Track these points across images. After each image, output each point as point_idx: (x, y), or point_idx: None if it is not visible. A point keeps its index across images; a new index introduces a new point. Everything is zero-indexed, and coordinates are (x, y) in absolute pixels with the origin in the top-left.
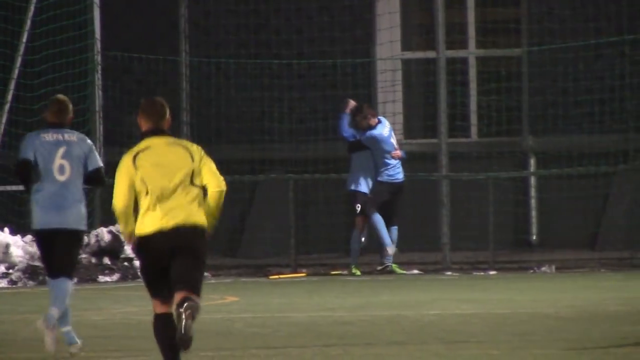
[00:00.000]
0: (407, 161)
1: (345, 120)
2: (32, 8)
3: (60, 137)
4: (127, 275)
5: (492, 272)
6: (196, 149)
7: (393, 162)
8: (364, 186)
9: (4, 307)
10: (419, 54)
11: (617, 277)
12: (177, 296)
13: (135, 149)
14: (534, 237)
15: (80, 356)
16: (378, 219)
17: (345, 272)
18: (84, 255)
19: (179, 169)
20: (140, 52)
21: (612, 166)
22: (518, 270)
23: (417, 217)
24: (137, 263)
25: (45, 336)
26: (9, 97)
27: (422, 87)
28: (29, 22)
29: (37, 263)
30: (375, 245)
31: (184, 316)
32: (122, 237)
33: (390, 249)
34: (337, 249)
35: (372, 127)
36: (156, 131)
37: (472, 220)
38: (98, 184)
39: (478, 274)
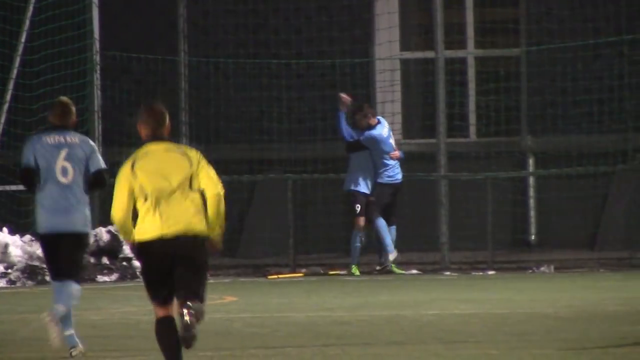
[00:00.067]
0: (406, 161)
1: (343, 120)
2: (30, 8)
3: (62, 139)
4: (126, 275)
5: (490, 272)
6: (194, 154)
7: (392, 162)
8: (362, 186)
9: (3, 306)
10: (418, 54)
11: (616, 277)
12: (181, 302)
13: (134, 156)
14: (533, 237)
15: (80, 356)
16: (382, 224)
17: (344, 272)
18: None
19: (177, 174)
20: (139, 52)
21: (611, 166)
22: (517, 270)
23: (416, 217)
24: (135, 263)
25: (50, 330)
26: (8, 97)
27: (421, 87)
28: (27, 22)
29: (36, 263)
30: (374, 245)
31: (187, 315)
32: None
33: (392, 256)
34: (336, 249)
35: (372, 127)
36: (155, 138)
37: (471, 220)
38: (99, 186)
39: (477, 273)
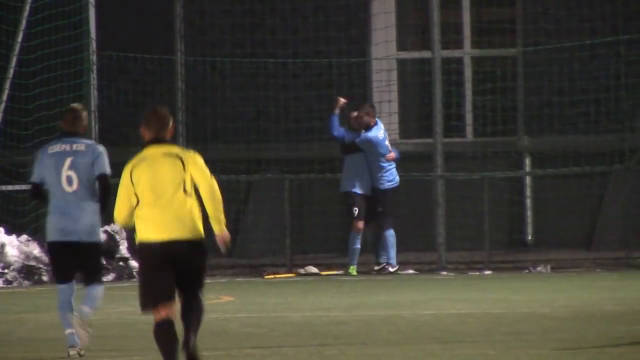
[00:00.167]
0: (403, 161)
1: (336, 120)
2: (27, 8)
3: (68, 147)
4: (123, 274)
5: (487, 272)
6: (188, 156)
7: (387, 165)
8: (359, 187)
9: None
10: (414, 54)
11: (612, 277)
12: (181, 304)
13: (133, 161)
14: (530, 237)
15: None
16: (393, 236)
17: (340, 272)
18: None
19: (171, 180)
20: (135, 52)
21: (607, 166)
22: (513, 270)
23: (413, 217)
24: (132, 263)
25: (80, 333)
26: (4, 96)
27: (418, 87)
28: (24, 22)
29: (33, 263)
30: (370, 246)
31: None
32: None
33: (393, 269)
34: (332, 249)
35: (369, 127)
36: (156, 141)
37: (468, 220)
38: (104, 190)
39: (473, 273)
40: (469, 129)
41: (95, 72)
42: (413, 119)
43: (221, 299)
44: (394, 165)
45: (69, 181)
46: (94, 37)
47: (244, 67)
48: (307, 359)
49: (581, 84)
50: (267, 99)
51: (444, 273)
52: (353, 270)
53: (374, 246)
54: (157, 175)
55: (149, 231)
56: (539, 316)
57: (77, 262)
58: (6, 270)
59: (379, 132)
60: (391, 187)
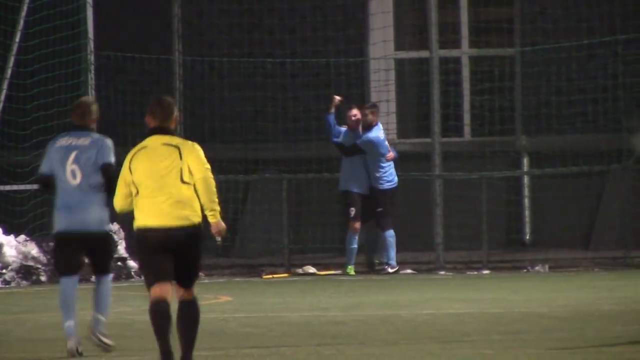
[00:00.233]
0: (401, 161)
1: (332, 120)
2: (25, 8)
3: (73, 141)
4: (121, 275)
5: (485, 272)
6: (186, 145)
7: (386, 165)
8: (357, 186)
9: None
10: (412, 54)
11: (610, 277)
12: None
13: (134, 149)
14: (528, 237)
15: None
16: (392, 237)
17: (338, 271)
18: None
19: (168, 171)
20: (133, 52)
21: (605, 166)
22: (511, 269)
23: (411, 216)
24: (130, 263)
25: (104, 341)
26: (2, 97)
27: (416, 86)
28: (22, 22)
29: (31, 263)
30: (366, 246)
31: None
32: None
33: (392, 269)
34: (331, 249)
35: (370, 126)
36: (158, 130)
37: (466, 219)
38: (107, 180)
39: (472, 273)
40: (466, 129)
41: (93, 72)
42: (411, 119)
43: (219, 299)
44: (392, 165)
45: (73, 175)
46: (92, 37)
47: (241, 67)
48: (305, 359)
49: (579, 83)
50: (265, 98)
51: (442, 273)
52: (351, 270)
53: (368, 246)
54: (154, 165)
55: (147, 218)
56: (537, 316)
57: (85, 253)
58: (4, 271)
59: (379, 132)
60: (390, 187)
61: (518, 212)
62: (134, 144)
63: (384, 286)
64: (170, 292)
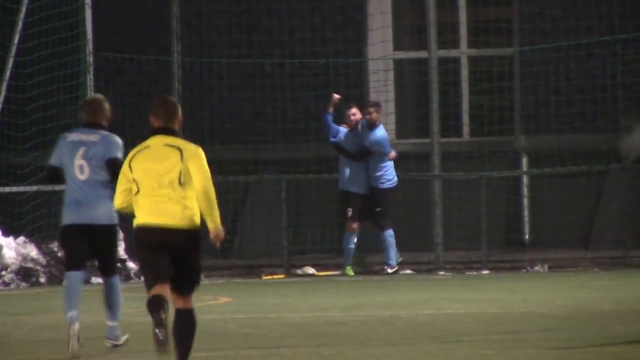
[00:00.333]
0: (400, 161)
1: (330, 119)
2: (23, 9)
3: (82, 137)
4: (120, 276)
5: (485, 272)
6: (188, 148)
7: (387, 164)
8: (356, 186)
9: None
10: (411, 54)
11: (610, 277)
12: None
13: (137, 148)
14: (527, 237)
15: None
16: (392, 236)
17: (337, 272)
18: None
19: (168, 171)
20: (132, 53)
21: (604, 165)
22: (511, 269)
23: (410, 217)
24: (129, 265)
25: (120, 342)
26: (1, 98)
27: (414, 87)
28: (20, 24)
29: (30, 265)
30: (362, 246)
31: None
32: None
33: (392, 269)
34: (330, 249)
35: (374, 126)
36: (161, 130)
37: (465, 219)
38: (113, 174)
39: (471, 273)
40: (465, 129)
41: (91, 73)
42: (410, 119)
43: (219, 300)
44: (392, 164)
45: (81, 170)
46: (91, 38)
47: (240, 67)
48: None
49: (578, 83)
50: (264, 99)
51: (442, 273)
52: (349, 270)
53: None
54: (155, 164)
55: (146, 216)
56: (536, 316)
57: (92, 247)
58: (3, 272)
59: (383, 131)
60: (391, 186)
61: (517, 212)
62: (133, 145)
63: (383, 286)
64: (168, 291)
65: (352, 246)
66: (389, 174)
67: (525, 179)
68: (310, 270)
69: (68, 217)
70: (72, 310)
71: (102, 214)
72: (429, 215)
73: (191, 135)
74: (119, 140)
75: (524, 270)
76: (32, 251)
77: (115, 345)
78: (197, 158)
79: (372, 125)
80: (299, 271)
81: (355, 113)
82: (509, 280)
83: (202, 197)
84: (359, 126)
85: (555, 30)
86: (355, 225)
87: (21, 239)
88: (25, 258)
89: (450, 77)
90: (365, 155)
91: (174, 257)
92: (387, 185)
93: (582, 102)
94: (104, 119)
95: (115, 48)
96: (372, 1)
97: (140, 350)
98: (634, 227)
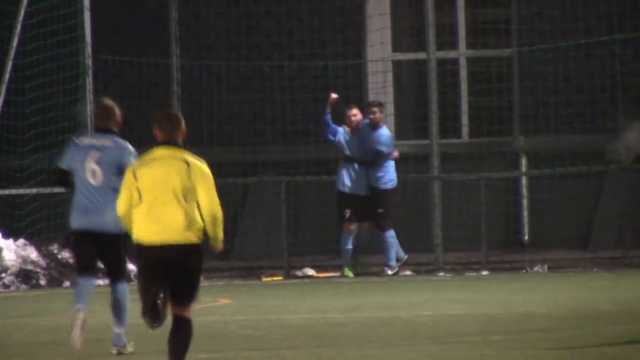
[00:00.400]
0: (399, 162)
1: (328, 120)
2: (22, 12)
3: (95, 142)
4: None
5: (484, 273)
6: (196, 166)
7: (388, 164)
8: (354, 187)
9: None
10: (410, 55)
11: (609, 277)
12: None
13: (141, 159)
14: (526, 237)
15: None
16: (392, 237)
17: (337, 274)
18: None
19: (173, 185)
20: (131, 56)
21: (603, 166)
22: (510, 270)
23: (409, 218)
24: (129, 266)
25: (126, 351)
26: (0, 101)
27: (413, 88)
28: (19, 26)
29: (30, 267)
30: (361, 247)
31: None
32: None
33: (392, 271)
34: (330, 251)
35: (377, 126)
36: (166, 143)
37: (464, 220)
38: None
39: (470, 274)
40: (464, 130)
41: (90, 76)
42: (409, 120)
43: (218, 302)
44: (393, 164)
45: (93, 175)
46: (89, 41)
47: (239, 70)
48: None
49: (577, 83)
50: (263, 101)
51: (441, 274)
52: (348, 271)
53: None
54: (160, 177)
55: (145, 233)
56: (536, 316)
57: (100, 253)
58: (3, 274)
59: (388, 130)
60: (391, 187)
61: (516, 213)
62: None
63: (382, 288)
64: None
65: (350, 247)
66: (390, 174)
67: (524, 180)
68: (310, 271)
69: (77, 222)
70: (80, 303)
71: (110, 220)
72: (428, 216)
73: (190, 137)
74: (131, 147)
75: (524, 271)
76: (32, 253)
77: (121, 353)
78: (204, 177)
79: (375, 126)
80: (299, 273)
81: (356, 114)
82: (508, 281)
83: (209, 219)
84: (360, 127)
85: (554, 31)
86: (352, 226)
87: (21, 241)
88: (25, 260)
89: (449, 78)
90: (383, 158)
91: (173, 272)
92: (388, 185)
93: (581, 103)
94: (115, 125)
95: (114, 51)
96: (371, 3)
97: (139, 352)
98: (633, 228)
